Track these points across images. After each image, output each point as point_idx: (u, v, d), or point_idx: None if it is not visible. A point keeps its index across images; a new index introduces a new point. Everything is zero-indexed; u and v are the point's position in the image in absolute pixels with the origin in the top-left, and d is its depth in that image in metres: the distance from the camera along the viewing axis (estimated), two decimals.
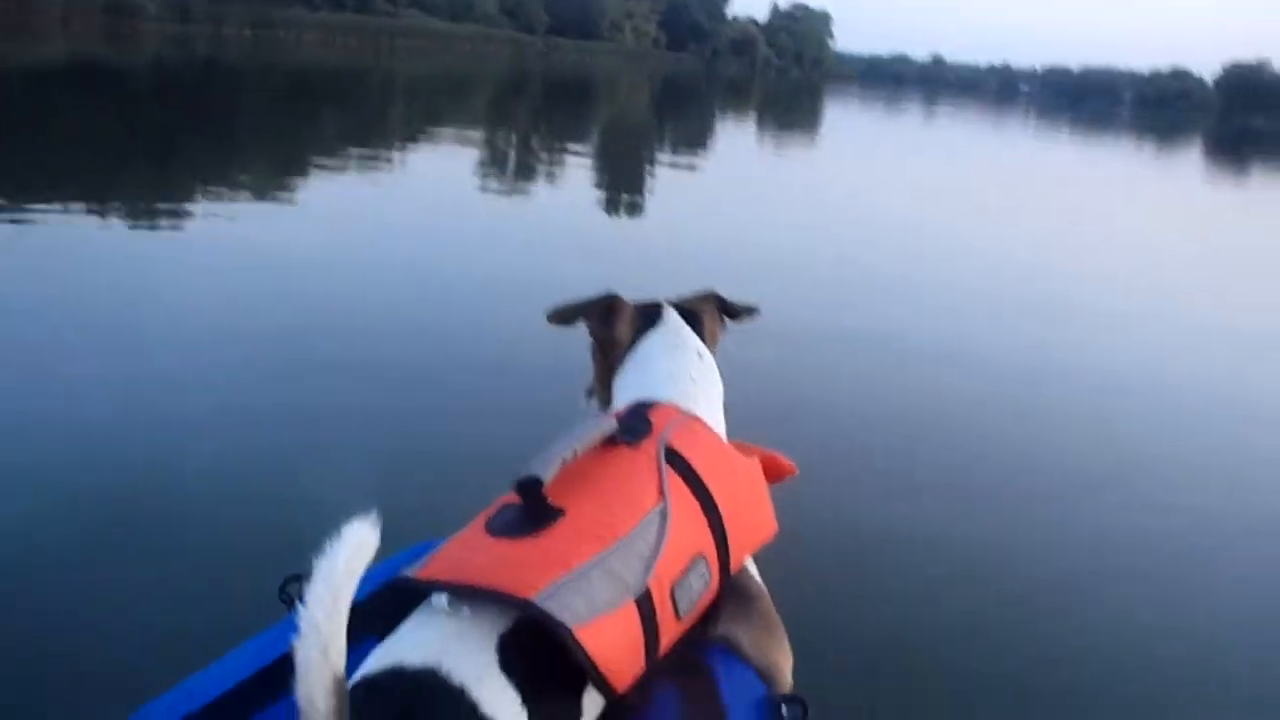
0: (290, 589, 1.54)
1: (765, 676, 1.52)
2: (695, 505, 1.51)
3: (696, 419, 1.72)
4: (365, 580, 1.31)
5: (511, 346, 4.93)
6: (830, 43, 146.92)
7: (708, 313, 2.01)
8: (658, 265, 7.02)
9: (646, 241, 8.51)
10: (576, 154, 14.71)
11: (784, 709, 1.43)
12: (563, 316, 1.92)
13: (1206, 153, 34.44)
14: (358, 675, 1.17)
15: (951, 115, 32.82)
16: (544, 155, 14.70)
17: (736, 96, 29.88)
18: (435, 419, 4.08)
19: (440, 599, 1.24)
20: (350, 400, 4.11)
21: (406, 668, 1.15)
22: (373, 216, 8.23)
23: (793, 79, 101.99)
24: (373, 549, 1.07)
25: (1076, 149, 29.07)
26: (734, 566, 1.56)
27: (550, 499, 1.38)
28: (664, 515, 1.44)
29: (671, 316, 1.94)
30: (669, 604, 1.39)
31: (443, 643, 1.19)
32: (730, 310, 2.05)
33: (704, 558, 1.48)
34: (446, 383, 4.55)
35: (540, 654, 1.24)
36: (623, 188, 12.01)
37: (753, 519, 1.62)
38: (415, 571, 1.31)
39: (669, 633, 1.39)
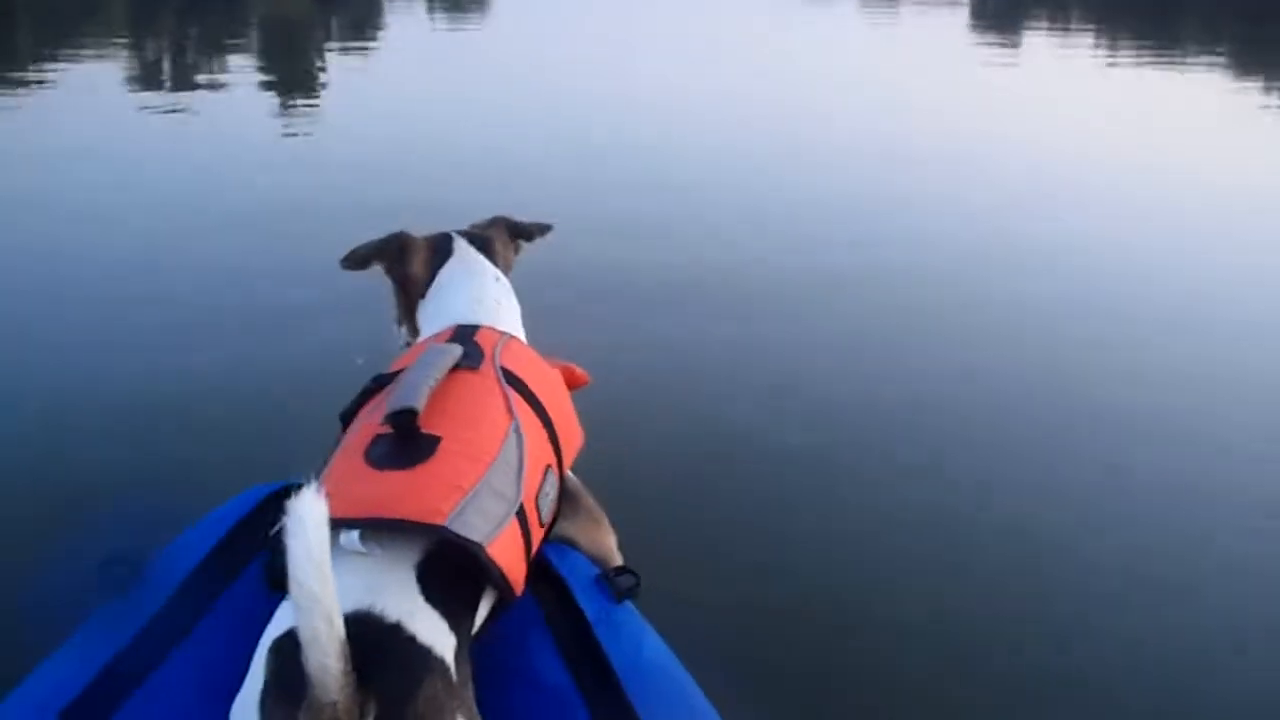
0: (114, 570, 1.56)
1: (599, 560, 1.73)
2: (536, 420, 1.64)
3: (514, 338, 1.85)
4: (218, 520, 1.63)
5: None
6: None
7: (498, 238, 2.12)
8: (335, 173, 6.68)
9: (324, 147, 7.97)
10: (238, 56, 13.60)
11: (618, 580, 1.64)
12: (356, 261, 2.01)
13: None
14: (285, 628, 1.19)
15: None
16: (203, 62, 13.51)
17: None
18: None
19: (351, 538, 1.28)
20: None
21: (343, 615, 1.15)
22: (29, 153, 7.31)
23: None
24: (326, 515, 1.09)
25: None
26: (565, 471, 1.71)
27: (422, 428, 1.46)
28: (519, 433, 1.56)
29: (463, 245, 2.03)
30: (535, 513, 1.53)
31: (368, 584, 1.25)
32: (522, 231, 2.18)
33: (551, 467, 1.63)
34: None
35: (449, 574, 1.35)
36: (295, 88, 11.19)
37: (572, 428, 1.78)
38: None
39: (537, 538, 1.54)
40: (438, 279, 2.00)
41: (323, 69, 12.74)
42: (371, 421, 1.55)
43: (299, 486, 1.62)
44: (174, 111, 9.03)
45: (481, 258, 2.04)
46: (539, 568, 1.63)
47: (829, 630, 2.50)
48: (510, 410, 1.60)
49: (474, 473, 1.44)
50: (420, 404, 1.48)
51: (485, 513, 1.42)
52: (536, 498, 1.54)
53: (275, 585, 1.48)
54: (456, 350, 1.67)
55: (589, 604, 1.61)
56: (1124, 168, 7.66)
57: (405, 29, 17.45)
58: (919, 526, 2.94)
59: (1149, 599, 2.67)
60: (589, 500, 1.83)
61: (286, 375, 3.68)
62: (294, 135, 8.29)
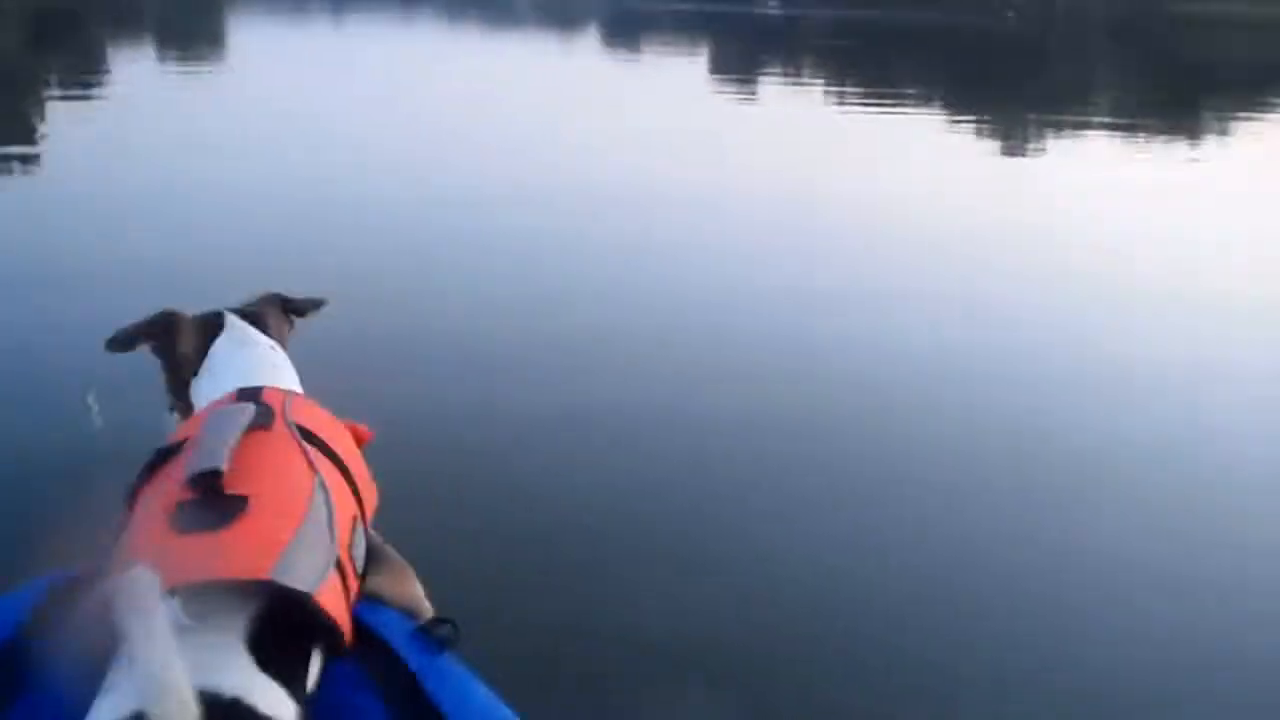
0: None
1: (410, 611, 1.68)
2: (337, 474, 1.62)
3: (299, 395, 1.84)
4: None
5: None
6: None
7: (271, 313, 2.09)
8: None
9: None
10: None
11: (436, 630, 1.58)
12: (123, 343, 1.94)
13: (604, 35, 37.14)
14: (120, 712, 1.12)
15: (362, 23, 32.47)
16: None
17: (126, 21, 27.20)
18: None
19: (170, 608, 1.16)
20: None
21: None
22: None
23: None
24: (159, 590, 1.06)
25: (491, 42, 30.06)
26: (366, 525, 1.69)
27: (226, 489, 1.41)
28: (324, 487, 1.53)
29: (234, 321, 2.00)
30: (350, 564, 1.51)
31: (197, 660, 1.14)
32: (295, 308, 2.15)
33: (357, 519, 1.61)
34: None
35: (277, 638, 1.30)
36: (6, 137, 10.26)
37: (368, 481, 1.76)
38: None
39: (354, 589, 1.52)
40: (210, 354, 1.96)
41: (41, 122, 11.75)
42: (169, 488, 1.48)
43: (81, 576, 1.50)
44: None
45: (254, 330, 2.01)
46: (355, 627, 1.55)
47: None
48: (311, 466, 1.58)
49: (288, 528, 1.41)
50: (224, 464, 1.43)
51: (306, 565, 1.38)
52: (349, 549, 1.53)
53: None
54: (249, 408, 1.63)
55: (411, 658, 1.54)
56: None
57: (136, 74, 16.46)
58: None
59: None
60: (391, 552, 1.79)
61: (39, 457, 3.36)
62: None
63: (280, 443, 1.60)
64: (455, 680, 1.52)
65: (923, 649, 2.61)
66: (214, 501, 1.40)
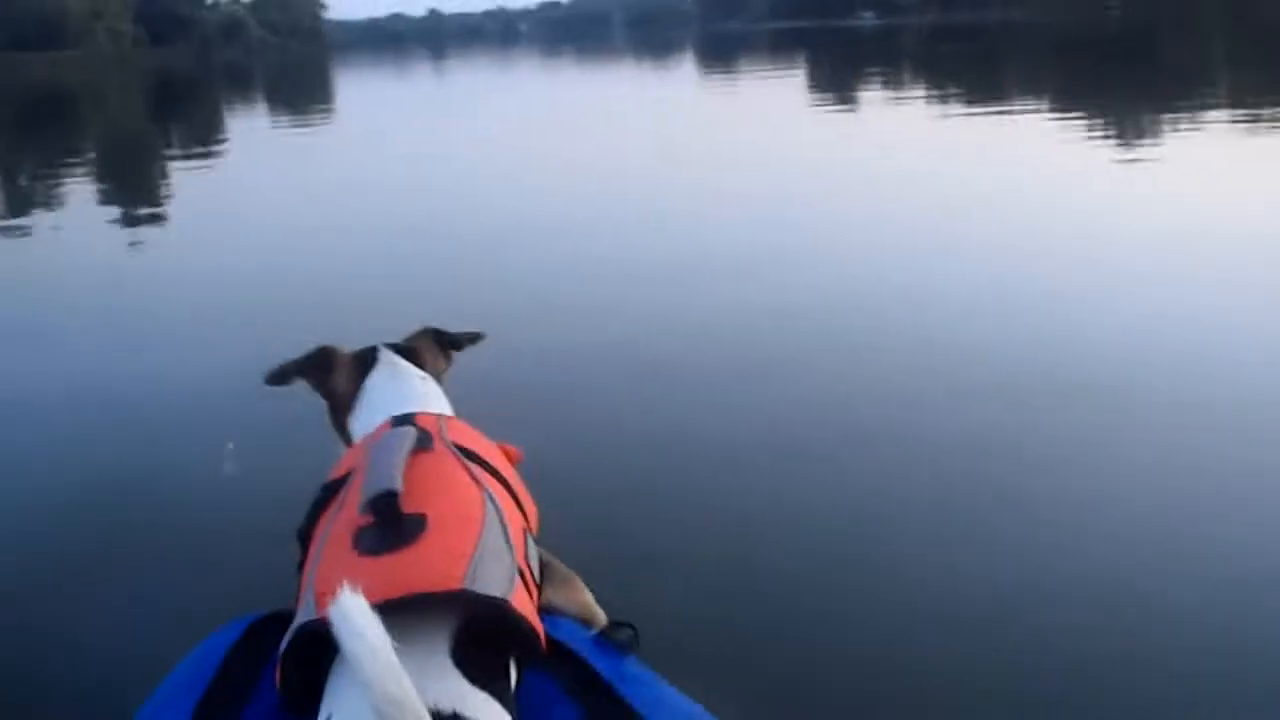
0: None
1: (584, 619, 1.72)
2: (501, 489, 1.63)
3: (451, 416, 1.87)
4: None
5: None
6: (323, 13, 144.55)
7: (424, 347, 2.10)
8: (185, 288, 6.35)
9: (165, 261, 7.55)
10: (75, 170, 13.11)
11: (617, 635, 1.60)
12: (279, 378, 2.00)
13: (699, 59, 37.32)
14: None
15: (462, 64, 33.19)
16: (36, 179, 13.02)
17: (239, 83, 28.28)
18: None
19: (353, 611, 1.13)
20: None
21: None
22: None
23: (293, 54, 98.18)
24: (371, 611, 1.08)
25: (590, 74, 30.43)
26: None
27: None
28: (493, 501, 1.55)
29: (387, 354, 2.02)
30: (529, 572, 1.53)
31: (411, 678, 1.13)
32: (450, 341, 2.15)
33: (526, 529, 1.63)
34: None
35: (478, 650, 1.32)
36: (136, 199, 10.76)
37: (527, 494, 1.77)
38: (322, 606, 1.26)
39: (535, 598, 1.54)
40: (364, 387, 1.99)
41: (166, 188, 12.00)
42: (347, 517, 1.50)
43: (279, 615, 1.55)
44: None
45: (405, 362, 2.03)
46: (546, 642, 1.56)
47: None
48: (477, 482, 1.60)
49: (469, 541, 1.42)
50: (398, 485, 1.45)
51: (493, 574, 1.39)
52: (526, 558, 1.55)
53: (294, 708, 1.42)
54: (410, 431, 1.65)
55: (600, 665, 1.55)
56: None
57: (250, 132, 17.05)
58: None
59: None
60: (558, 563, 1.80)
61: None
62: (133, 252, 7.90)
63: (444, 462, 1.62)
64: (647, 684, 1.52)
65: None
66: (394, 523, 1.42)
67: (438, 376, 2.08)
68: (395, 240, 7.50)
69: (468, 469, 1.62)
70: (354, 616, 1.04)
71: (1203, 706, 2.13)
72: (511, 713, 1.30)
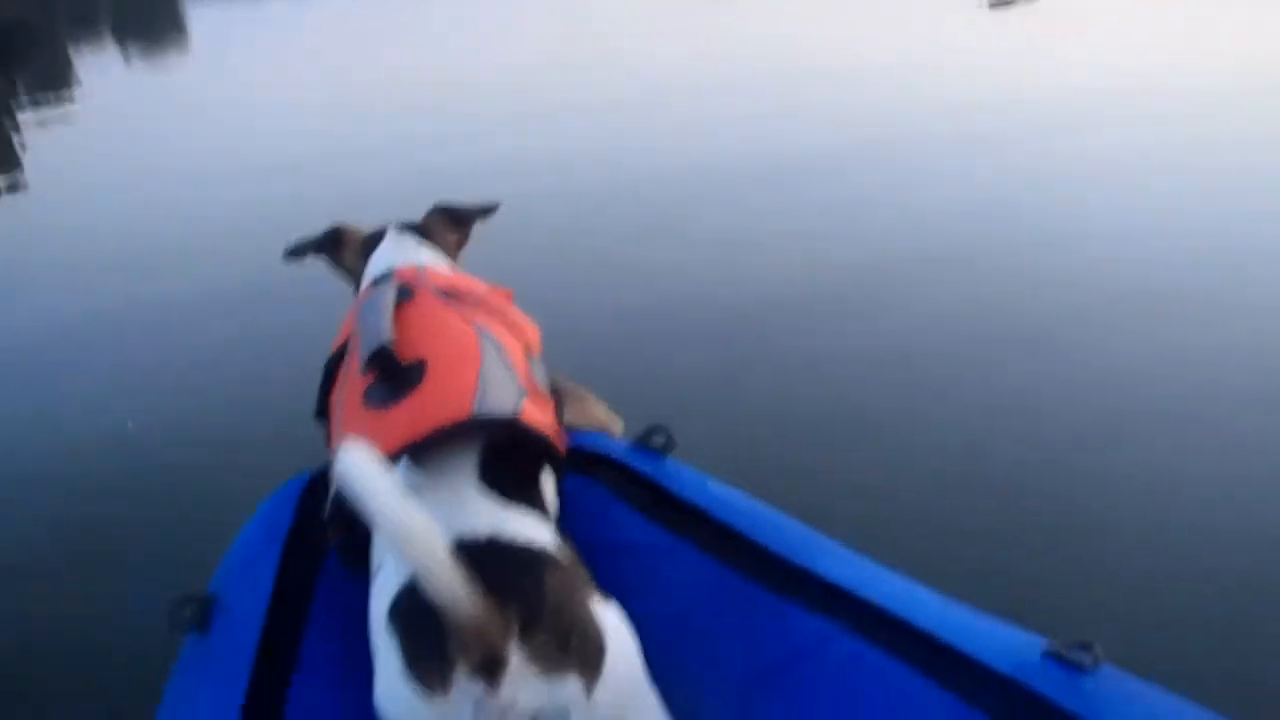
0: (180, 613, 1.54)
1: (607, 430, 1.83)
2: (492, 319, 1.67)
3: (429, 266, 1.89)
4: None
5: None
6: None
7: (435, 223, 2.11)
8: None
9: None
10: None
11: (654, 438, 1.72)
12: (296, 253, 2.09)
13: None
14: (388, 599, 1.21)
15: None
16: None
17: (79, 25, 26.48)
18: None
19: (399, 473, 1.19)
20: None
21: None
22: None
23: None
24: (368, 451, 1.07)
25: None
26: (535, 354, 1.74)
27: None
28: (486, 332, 1.59)
29: (394, 233, 2.04)
30: (536, 387, 1.57)
31: (441, 513, 1.21)
32: (464, 216, 2.15)
33: (527, 349, 1.67)
34: None
35: (504, 472, 1.39)
36: None
37: (521, 317, 1.79)
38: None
39: (549, 410, 1.58)
40: (370, 262, 2.02)
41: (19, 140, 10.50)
42: (352, 382, 1.57)
43: (322, 471, 1.65)
44: None
45: (413, 238, 2.04)
46: (575, 454, 1.69)
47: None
48: (466, 318, 1.64)
49: (470, 373, 1.48)
50: (389, 337, 1.52)
51: (500, 397, 1.46)
52: (529, 377, 1.59)
53: (349, 562, 1.52)
54: (392, 286, 1.70)
55: (642, 465, 1.68)
56: None
57: (108, 77, 15.72)
58: None
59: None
60: (567, 382, 1.86)
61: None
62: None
63: (430, 307, 1.66)
64: (689, 475, 1.66)
65: None
66: (395, 373, 1.49)
67: (448, 249, 2.11)
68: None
69: (454, 310, 1.66)
70: (351, 469, 1.04)
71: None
72: (550, 517, 1.38)
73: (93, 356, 4.35)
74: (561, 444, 1.53)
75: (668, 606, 1.27)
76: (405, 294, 1.68)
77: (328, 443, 1.66)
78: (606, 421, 1.89)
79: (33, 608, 2.70)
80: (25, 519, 3.13)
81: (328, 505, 1.43)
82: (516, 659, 1.11)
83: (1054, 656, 1.22)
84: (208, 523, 2.21)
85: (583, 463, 1.69)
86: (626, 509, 1.62)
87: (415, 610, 1.13)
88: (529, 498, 1.40)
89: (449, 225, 2.14)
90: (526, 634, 1.12)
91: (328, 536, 1.51)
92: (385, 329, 1.53)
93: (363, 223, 2.14)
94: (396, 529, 1.03)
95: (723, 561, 1.48)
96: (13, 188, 8.10)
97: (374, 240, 2.06)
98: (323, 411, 1.70)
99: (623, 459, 1.70)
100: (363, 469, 1.04)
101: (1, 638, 2.61)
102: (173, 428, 3.54)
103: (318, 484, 1.75)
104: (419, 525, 1.04)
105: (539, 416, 1.50)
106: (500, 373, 1.51)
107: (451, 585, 1.05)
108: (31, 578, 2.83)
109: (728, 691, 1.34)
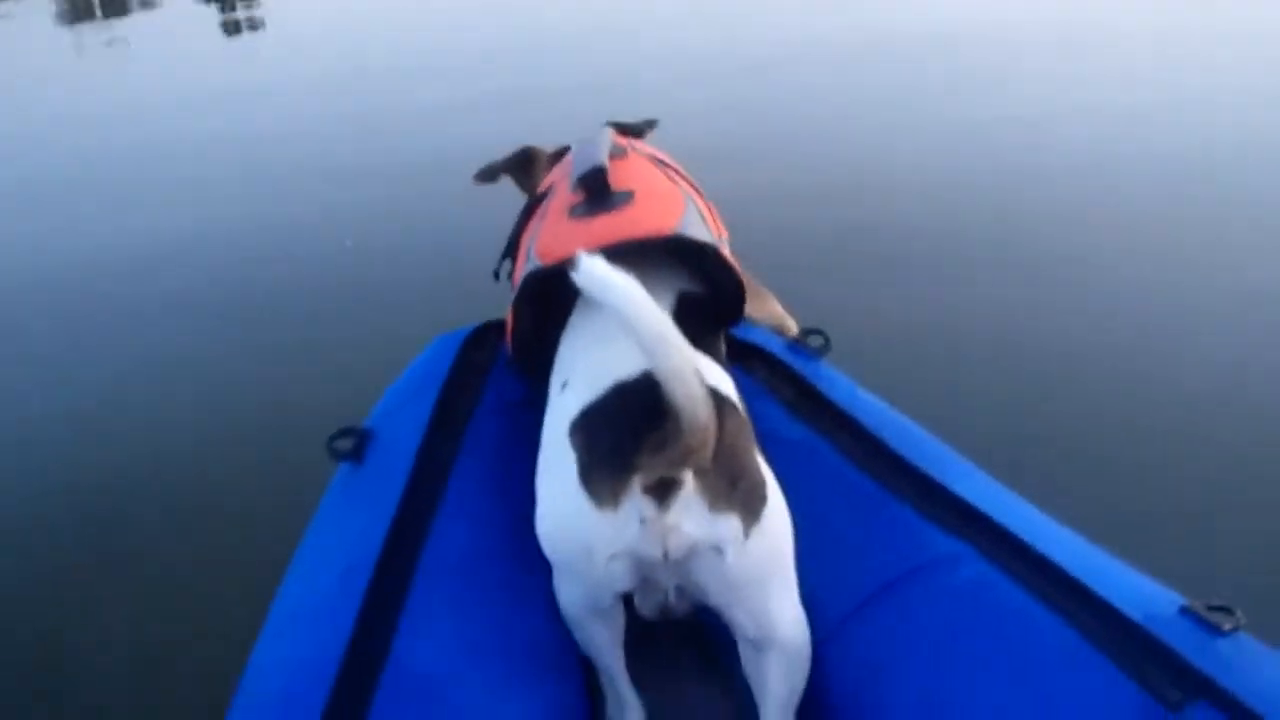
0: (339, 443, 1.60)
1: (775, 327, 1.86)
2: (694, 191, 1.68)
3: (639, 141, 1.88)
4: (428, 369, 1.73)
5: None
6: None
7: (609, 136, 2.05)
8: None
9: None
10: None
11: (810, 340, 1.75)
12: (486, 175, 2.09)
13: None
14: (576, 411, 1.24)
15: None
16: None
17: None
18: None
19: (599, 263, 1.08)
20: None
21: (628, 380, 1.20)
22: None
23: None
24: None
25: None
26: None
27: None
28: (690, 197, 1.60)
29: (577, 145, 1.97)
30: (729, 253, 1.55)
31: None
32: (632, 130, 2.11)
33: (720, 235, 1.65)
34: None
35: (694, 321, 1.37)
36: None
37: (715, 211, 1.77)
38: (545, 259, 1.46)
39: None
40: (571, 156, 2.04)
41: None
42: (557, 202, 1.60)
43: (494, 324, 1.70)
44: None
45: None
46: (731, 343, 1.70)
47: None
48: (674, 180, 1.66)
49: (675, 212, 1.50)
50: (605, 162, 1.54)
51: (701, 234, 1.49)
52: (725, 240, 1.61)
53: (528, 371, 1.59)
54: (609, 134, 1.71)
55: (795, 363, 1.70)
56: None
57: None
58: None
59: None
60: (749, 276, 1.85)
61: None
62: None
63: (640, 163, 1.70)
64: (842, 383, 1.68)
65: None
66: (604, 194, 1.52)
67: None
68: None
69: (662, 171, 1.69)
70: (603, 271, 1.02)
71: None
72: (729, 375, 1.39)
73: None
74: (745, 294, 1.55)
75: (802, 503, 1.28)
76: (618, 151, 1.69)
77: (512, 277, 1.71)
78: (782, 320, 1.90)
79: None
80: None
81: (517, 291, 1.51)
82: (690, 487, 1.15)
83: (1191, 614, 1.19)
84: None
85: (737, 352, 1.71)
86: (774, 402, 1.64)
87: (606, 421, 1.19)
88: (711, 349, 1.42)
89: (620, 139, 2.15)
90: (701, 468, 1.15)
91: (507, 339, 1.58)
92: (601, 156, 1.56)
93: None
94: (651, 326, 1.03)
95: (861, 468, 1.50)
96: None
97: (558, 156, 2.07)
98: (513, 244, 1.75)
99: (777, 353, 1.72)
100: (610, 269, 1.03)
101: (178, 444, 2.82)
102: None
103: (480, 335, 1.81)
104: (670, 327, 1.05)
105: (730, 263, 1.52)
106: (700, 223, 1.54)
107: (693, 394, 1.07)
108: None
109: (849, 594, 1.36)
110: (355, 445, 1.61)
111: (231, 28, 9.73)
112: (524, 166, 2.11)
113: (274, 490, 2.48)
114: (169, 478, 2.76)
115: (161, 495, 2.70)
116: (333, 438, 1.62)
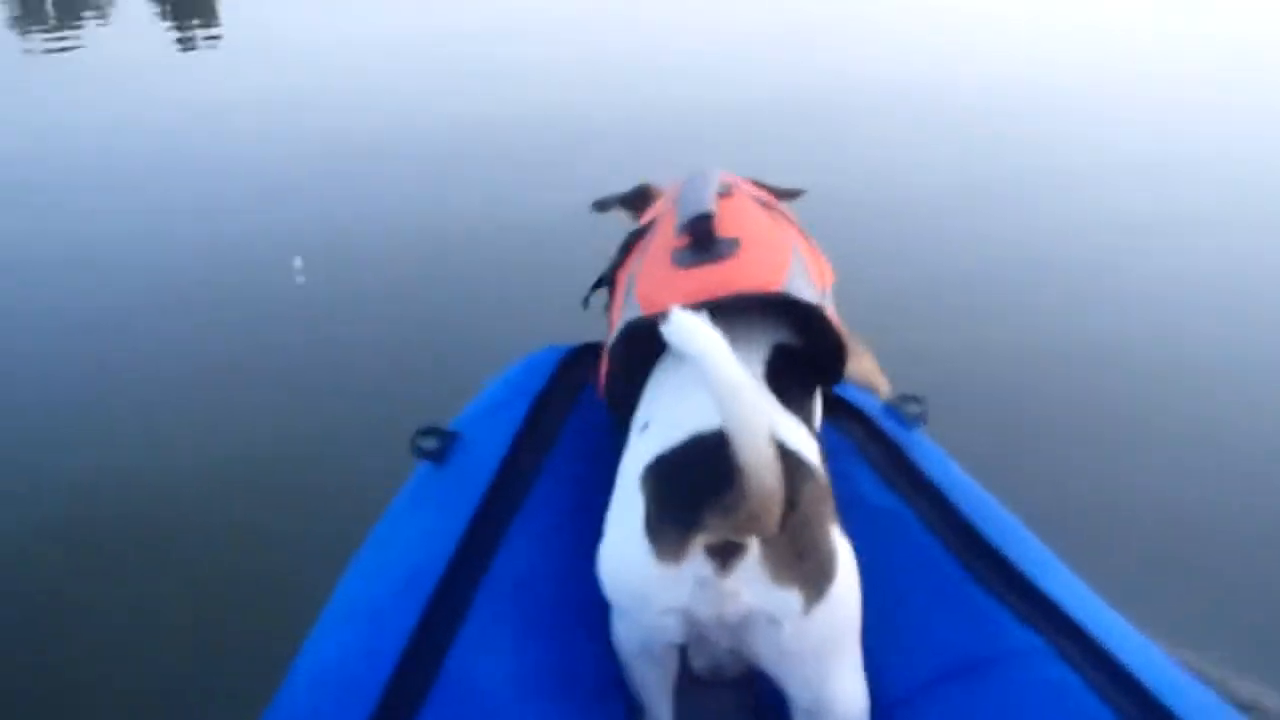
0: (422, 442, 1.59)
1: (868, 386, 1.81)
2: (802, 241, 1.64)
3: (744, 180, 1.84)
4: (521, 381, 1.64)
5: None
6: None
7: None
8: None
9: None
10: None
11: (908, 406, 1.71)
12: (602, 206, 2.11)
13: None
14: (652, 456, 1.22)
15: None
16: None
17: None
18: None
19: (688, 317, 1.08)
20: None
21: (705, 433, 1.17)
22: None
23: None
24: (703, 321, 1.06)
25: None
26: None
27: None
28: (795, 245, 1.56)
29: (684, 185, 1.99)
30: (832, 307, 1.53)
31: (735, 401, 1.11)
32: (775, 194, 2.07)
33: (825, 281, 1.62)
34: None
35: (787, 377, 1.37)
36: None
37: (822, 256, 1.74)
38: (646, 307, 1.42)
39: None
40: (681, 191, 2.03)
41: None
42: (661, 242, 1.56)
43: (592, 346, 1.69)
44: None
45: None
46: (829, 401, 1.66)
47: None
48: (780, 225, 1.64)
49: (782, 265, 1.46)
50: (714, 208, 1.50)
51: (805, 292, 1.44)
52: (826, 299, 1.56)
53: (614, 408, 1.55)
54: (716, 172, 1.68)
55: (891, 429, 1.66)
56: None
57: None
58: None
59: None
60: (847, 330, 1.85)
61: None
62: None
63: (747, 204, 1.66)
64: (932, 452, 1.63)
65: None
66: (710, 242, 1.48)
67: None
68: None
69: (770, 215, 1.66)
70: (691, 326, 1.03)
71: None
72: (818, 440, 1.36)
73: None
74: (846, 357, 1.51)
75: (879, 572, 1.25)
76: (725, 190, 1.66)
77: (608, 309, 1.70)
78: (876, 380, 1.87)
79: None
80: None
81: (614, 337, 1.48)
82: (754, 554, 1.12)
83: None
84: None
85: (832, 408, 1.68)
86: (866, 467, 1.60)
87: (677, 473, 1.17)
88: (802, 409, 1.38)
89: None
90: (769, 537, 1.12)
91: (603, 371, 1.56)
92: (709, 199, 1.53)
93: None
94: (729, 385, 1.03)
95: (947, 546, 1.46)
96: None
97: None
98: (611, 277, 1.73)
99: (873, 415, 1.68)
100: (699, 325, 1.03)
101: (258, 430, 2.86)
102: None
103: (581, 354, 1.80)
104: (749, 387, 1.05)
105: (834, 326, 1.49)
106: (805, 277, 1.50)
107: (762, 455, 1.05)
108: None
109: (917, 671, 1.33)
110: (440, 446, 1.60)
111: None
112: (638, 203, 2.09)
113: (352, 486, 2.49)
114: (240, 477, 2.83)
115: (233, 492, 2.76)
116: (417, 434, 1.61)
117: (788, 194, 2.08)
